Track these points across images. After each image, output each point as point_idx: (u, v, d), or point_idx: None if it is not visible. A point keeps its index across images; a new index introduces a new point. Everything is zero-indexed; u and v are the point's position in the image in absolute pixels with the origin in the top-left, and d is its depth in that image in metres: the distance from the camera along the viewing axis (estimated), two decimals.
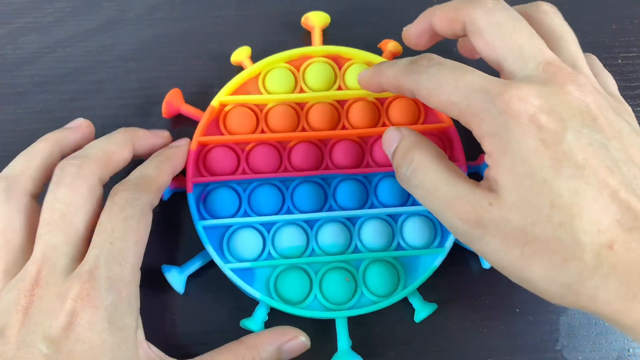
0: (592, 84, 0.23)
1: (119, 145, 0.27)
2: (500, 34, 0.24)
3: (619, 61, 0.35)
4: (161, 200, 0.30)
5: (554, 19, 0.26)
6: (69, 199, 0.24)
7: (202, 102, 0.32)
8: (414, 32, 0.28)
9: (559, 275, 0.21)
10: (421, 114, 0.32)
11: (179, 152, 0.29)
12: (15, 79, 0.34)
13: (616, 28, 0.36)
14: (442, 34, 0.27)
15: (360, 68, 0.32)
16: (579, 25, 0.36)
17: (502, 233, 0.21)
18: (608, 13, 0.36)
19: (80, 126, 0.29)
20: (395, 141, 0.26)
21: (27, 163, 0.26)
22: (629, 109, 0.25)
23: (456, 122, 0.31)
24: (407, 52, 0.33)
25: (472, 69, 0.23)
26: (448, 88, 0.23)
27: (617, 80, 0.34)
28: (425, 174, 0.24)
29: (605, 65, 0.35)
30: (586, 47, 0.35)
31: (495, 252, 0.22)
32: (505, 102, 0.21)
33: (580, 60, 0.25)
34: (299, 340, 0.28)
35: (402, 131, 0.26)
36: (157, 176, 0.27)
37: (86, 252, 0.24)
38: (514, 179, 0.21)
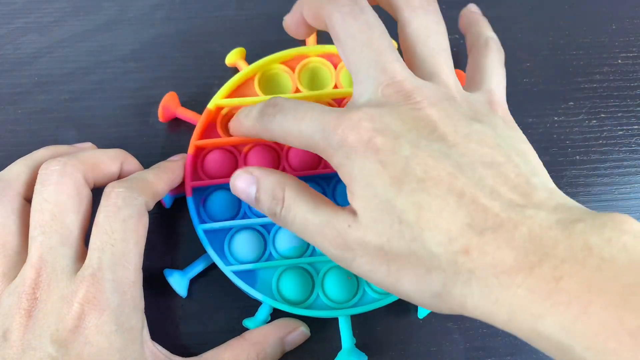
0: (446, 92, 0.23)
1: (109, 157, 0.27)
2: (353, 47, 0.23)
3: (619, 61, 0.35)
4: (162, 206, 0.30)
5: (421, 18, 0.24)
6: (56, 198, 0.24)
7: (202, 102, 0.32)
8: (291, 22, 0.27)
9: (426, 286, 0.21)
10: None
11: (177, 166, 0.29)
12: (15, 79, 0.33)
13: (616, 28, 0.36)
14: (314, 27, 0.26)
15: None
16: (579, 25, 0.36)
17: (366, 254, 0.22)
18: (608, 13, 0.36)
19: (84, 145, 0.29)
20: (252, 185, 0.25)
21: (23, 167, 0.26)
22: (500, 109, 0.24)
23: None
24: None
25: (311, 107, 0.23)
26: (295, 134, 0.23)
27: (617, 80, 0.35)
28: (296, 209, 0.24)
29: (604, 65, 0.35)
30: (586, 47, 0.36)
31: (368, 272, 0.22)
32: (340, 135, 0.22)
33: (440, 67, 0.24)
34: (300, 331, 0.28)
35: (254, 172, 0.25)
36: (154, 181, 0.27)
37: (83, 252, 0.24)
38: (364, 202, 0.21)
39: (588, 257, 0.18)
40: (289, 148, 0.31)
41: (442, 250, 0.20)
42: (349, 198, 0.22)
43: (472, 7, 0.30)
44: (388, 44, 0.23)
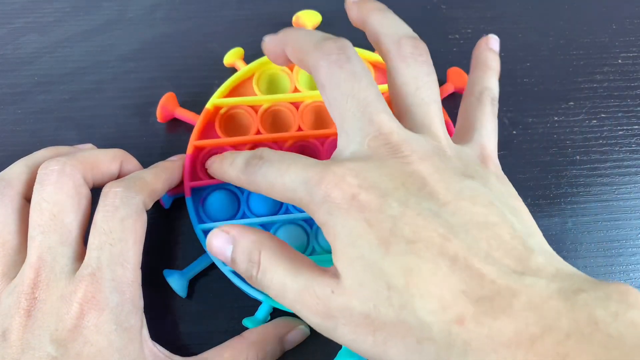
0: (436, 146, 0.22)
1: (108, 157, 0.27)
2: (337, 97, 0.22)
3: (619, 61, 0.35)
4: (161, 206, 0.30)
5: (412, 67, 0.23)
6: (55, 198, 0.24)
7: (201, 102, 0.32)
8: (272, 51, 0.26)
9: (417, 357, 0.19)
10: None
11: (175, 166, 0.29)
12: (15, 79, 0.34)
13: (616, 28, 0.36)
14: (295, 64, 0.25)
15: None
16: (579, 25, 0.36)
17: (350, 322, 0.20)
18: (608, 13, 0.36)
19: (85, 146, 0.29)
20: (229, 244, 0.24)
21: (23, 167, 0.26)
22: (492, 164, 0.23)
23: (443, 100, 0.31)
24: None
25: (295, 160, 0.22)
26: (278, 186, 0.22)
27: (617, 80, 0.35)
28: (273, 272, 0.22)
29: (604, 65, 0.35)
30: (586, 47, 0.36)
31: (352, 342, 0.20)
32: (323, 190, 0.21)
33: (430, 119, 0.23)
34: (300, 330, 0.28)
35: (231, 232, 0.24)
36: (152, 181, 0.26)
37: (83, 252, 0.24)
38: (348, 264, 0.20)
39: (594, 333, 0.16)
40: (288, 147, 0.31)
41: (435, 319, 0.18)
42: (333, 259, 0.21)
43: (492, 41, 0.28)
44: (375, 94, 0.22)
